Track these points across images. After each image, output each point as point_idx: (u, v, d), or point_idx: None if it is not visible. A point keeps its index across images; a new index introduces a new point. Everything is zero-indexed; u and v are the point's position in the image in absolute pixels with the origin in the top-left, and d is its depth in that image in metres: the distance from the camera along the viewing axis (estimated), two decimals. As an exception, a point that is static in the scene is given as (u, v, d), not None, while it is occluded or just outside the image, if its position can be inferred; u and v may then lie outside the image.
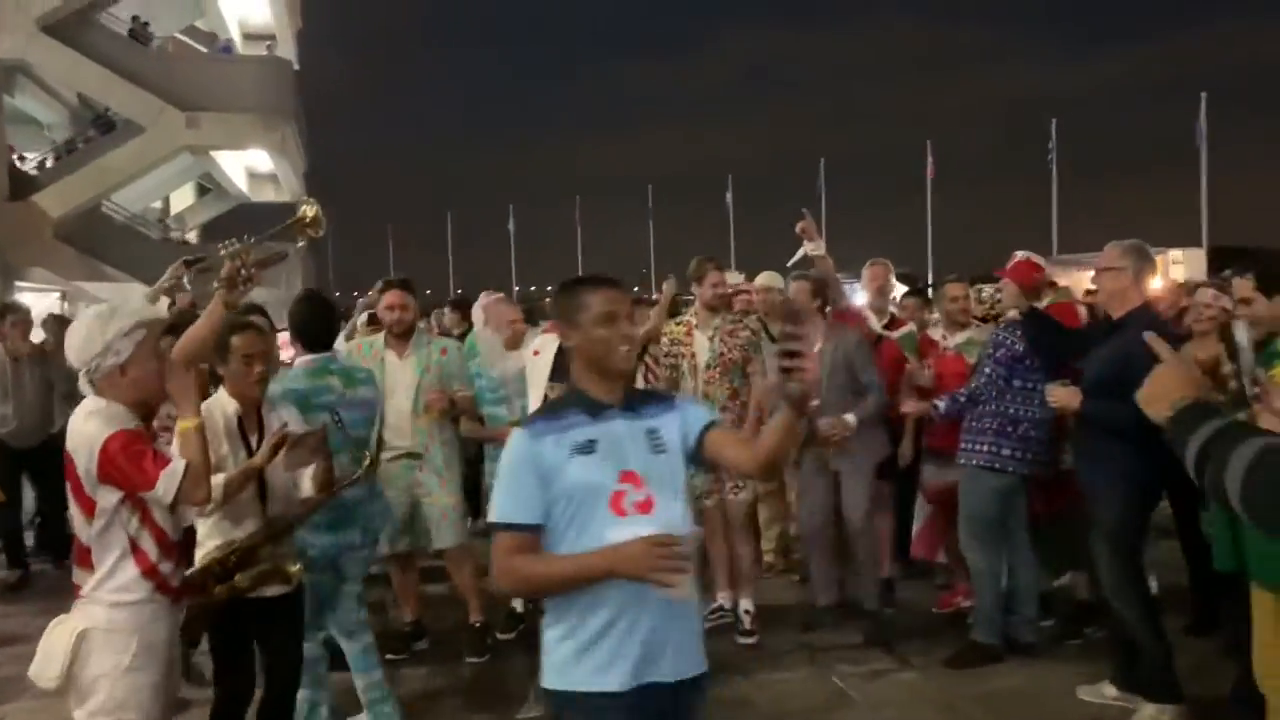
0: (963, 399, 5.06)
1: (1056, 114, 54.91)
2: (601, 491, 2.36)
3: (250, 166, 33.53)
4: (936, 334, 5.92)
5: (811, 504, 5.47)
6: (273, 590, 3.47)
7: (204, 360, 3.54)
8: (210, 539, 3.46)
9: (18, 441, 7.11)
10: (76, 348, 2.97)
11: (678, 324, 5.60)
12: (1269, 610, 3.50)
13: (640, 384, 7.52)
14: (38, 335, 7.75)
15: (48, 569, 7.29)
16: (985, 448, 4.94)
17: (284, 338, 4.85)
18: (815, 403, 2.34)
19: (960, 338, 5.67)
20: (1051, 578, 5.60)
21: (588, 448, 2.38)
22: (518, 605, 5.59)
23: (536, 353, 5.45)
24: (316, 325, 4.40)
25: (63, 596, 3.13)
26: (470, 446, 6.21)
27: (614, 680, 2.35)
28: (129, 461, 2.85)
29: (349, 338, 6.21)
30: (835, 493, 5.41)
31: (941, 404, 5.15)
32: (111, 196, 26.89)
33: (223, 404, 3.56)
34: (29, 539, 7.62)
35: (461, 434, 5.59)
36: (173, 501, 2.88)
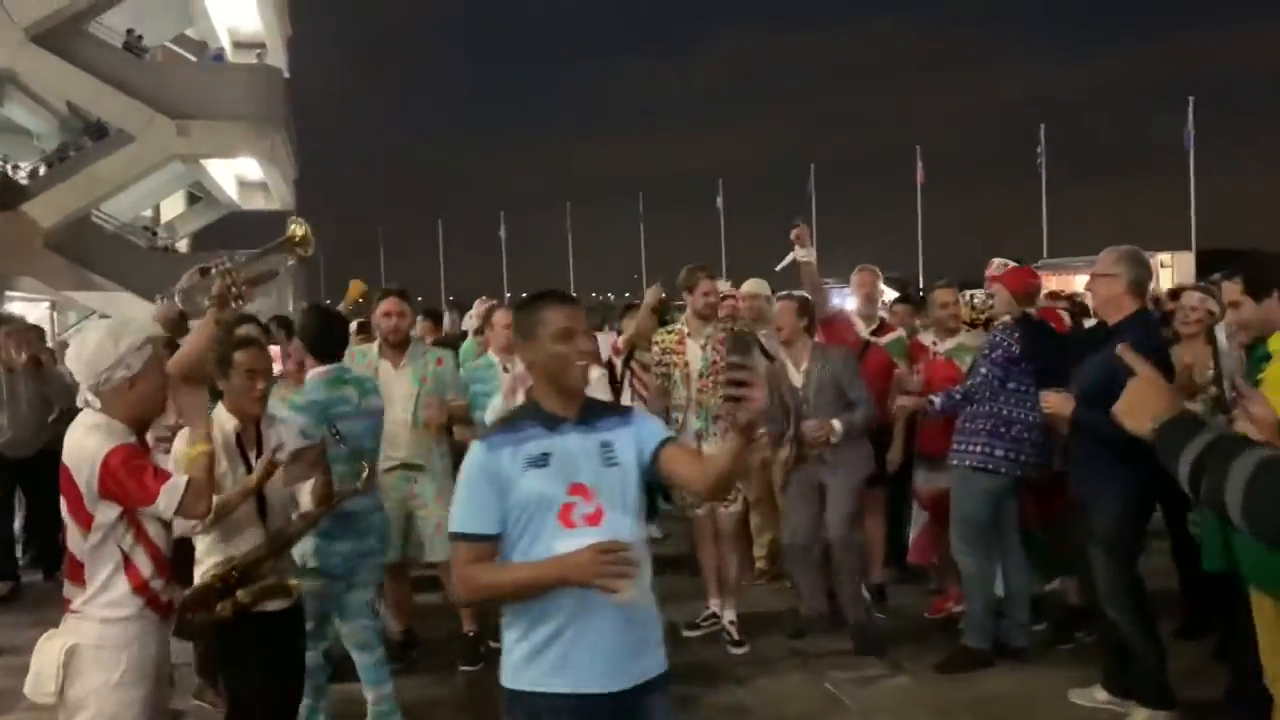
0: (958, 396, 5.08)
1: (1045, 118, 55.15)
2: (552, 503, 2.45)
3: (240, 174, 33.49)
4: (927, 339, 5.95)
5: (795, 524, 5.41)
6: (274, 605, 3.47)
7: (199, 376, 3.56)
8: (209, 556, 3.46)
9: (12, 452, 7.08)
10: (87, 360, 2.98)
11: (669, 332, 5.61)
12: (1271, 615, 3.53)
13: (626, 391, 7.57)
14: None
15: (38, 581, 7.26)
16: (978, 449, 4.95)
17: (275, 350, 4.86)
18: (763, 431, 2.40)
19: (950, 343, 5.70)
20: (1043, 582, 5.62)
21: (541, 461, 2.46)
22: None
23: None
24: (328, 337, 4.44)
25: (54, 608, 3.13)
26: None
27: (563, 682, 2.44)
28: (130, 476, 2.86)
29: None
30: (822, 508, 5.41)
31: (937, 399, 5.17)
32: (101, 205, 26.84)
33: (221, 420, 3.56)
34: (20, 549, 7.60)
35: (457, 439, 5.59)
36: (174, 516, 2.89)
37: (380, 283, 5.76)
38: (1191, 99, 37.67)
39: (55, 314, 20.00)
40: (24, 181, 25.37)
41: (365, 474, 3.88)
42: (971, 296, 5.50)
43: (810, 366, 5.28)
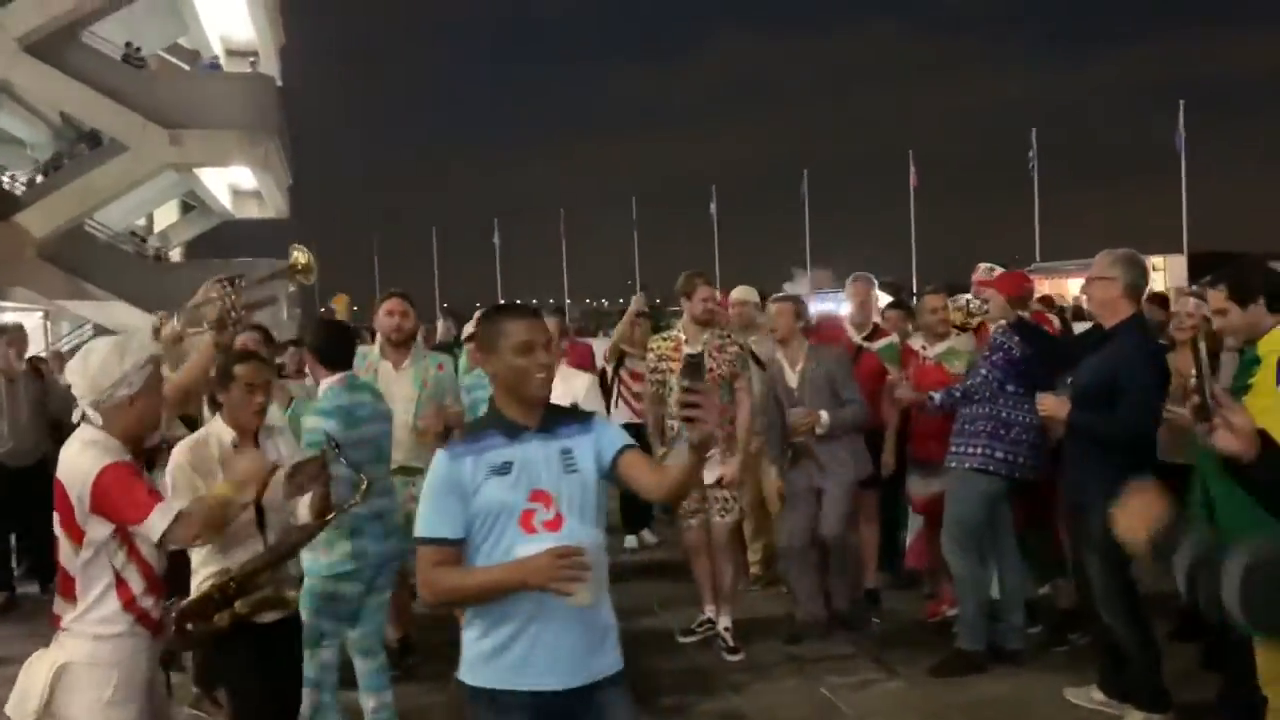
0: (958, 394, 5.10)
1: (1038, 121, 55.36)
2: (513, 510, 2.55)
3: (234, 183, 33.41)
4: (916, 344, 5.97)
5: (791, 527, 5.50)
6: (271, 616, 3.47)
7: (195, 398, 3.59)
8: (206, 566, 3.46)
9: (12, 461, 7.06)
10: (92, 376, 2.98)
11: (665, 339, 5.61)
12: None
13: (614, 397, 7.56)
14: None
15: (33, 592, 7.25)
16: (978, 450, 4.97)
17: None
18: (713, 451, 2.52)
19: (940, 348, 5.73)
20: (1037, 585, 5.63)
21: (503, 469, 2.57)
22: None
23: None
24: (339, 347, 4.49)
25: (49, 620, 3.12)
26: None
27: (521, 680, 2.56)
28: (122, 494, 2.86)
29: None
30: (818, 510, 5.44)
31: (937, 396, 5.19)
32: (95, 215, 26.80)
33: (219, 432, 3.56)
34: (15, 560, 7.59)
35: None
36: (160, 539, 2.89)
37: (376, 290, 5.79)
38: (1183, 102, 37.87)
39: (49, 324, 20.00)
40: (17, 191, 25.34)
41: (364, 486, 3.89)
42: (968, 301, 5.52)
43: (805, 366, 5.38)
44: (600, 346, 7.71)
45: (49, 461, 5.47)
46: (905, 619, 5.88)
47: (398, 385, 5.20)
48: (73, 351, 4.36)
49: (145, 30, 27.36)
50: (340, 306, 21.00)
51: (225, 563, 3.44)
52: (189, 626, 3.27)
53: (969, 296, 5.58)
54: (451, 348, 7.69)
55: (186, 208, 37.16)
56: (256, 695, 3.48)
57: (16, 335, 7.47)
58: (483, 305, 8.72)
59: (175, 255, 36.28)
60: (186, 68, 30.89)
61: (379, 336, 5.46)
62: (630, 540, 7.97)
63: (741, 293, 6.63)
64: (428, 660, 5.44)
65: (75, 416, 3.04)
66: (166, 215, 36.87)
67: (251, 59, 30.54)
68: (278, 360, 6.34)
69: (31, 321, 18.08)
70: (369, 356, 5.34)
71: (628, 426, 7.02)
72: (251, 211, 35.33)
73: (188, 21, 29.09)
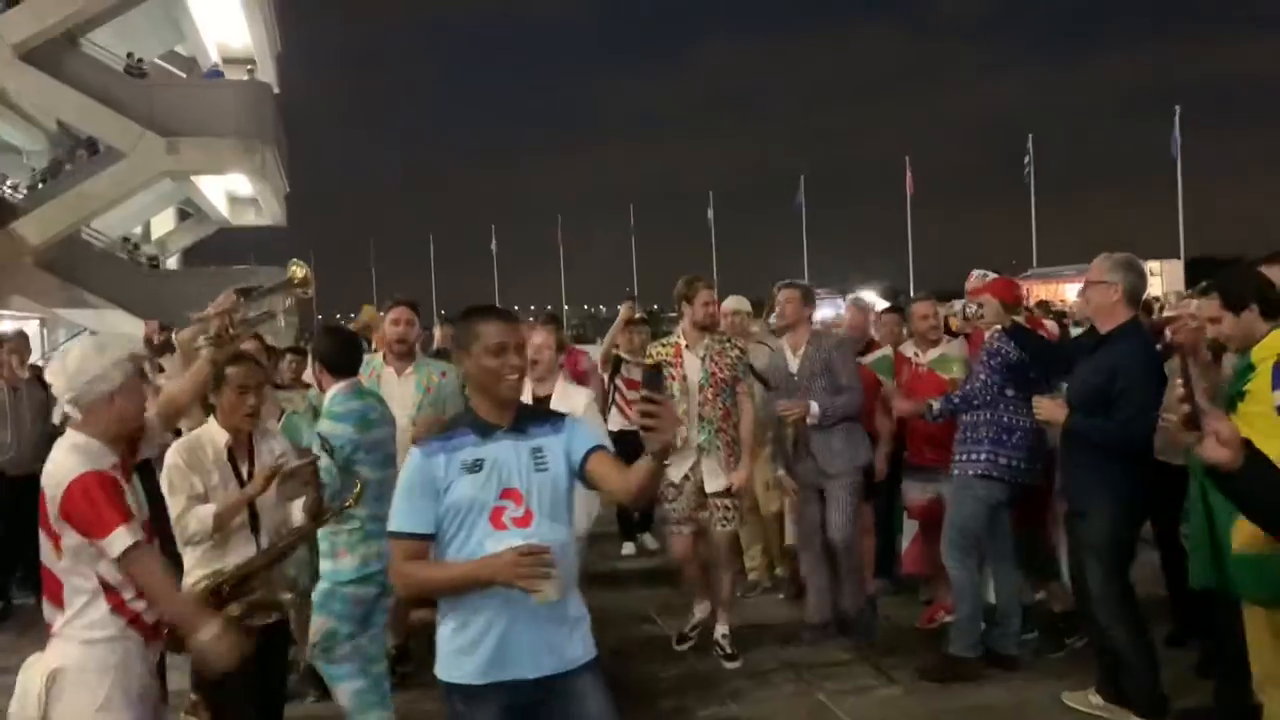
0: (957, 399, 5.11)
1: (1033, 128, 55.51)
2: (483, 507, 2.64)
3: (231, 191, 33.42)
4: (909, 351, 5.98)
5: (803, 526, 5.66)
6: (261, 620, 3.47)
7: (187, 411, 3.60)
8: (198, 568, 3.47)
9: (15, 469, 7.05)
10: (71, 373, 2.99)
11: (664, 345, 5.59)
12: (1262, 623, 3.55)
13: (609, 404, 7.55)
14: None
15: (29, 602, 7.22)
16: (982, 456, 4.97)
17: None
18: (669, 461, 2.60)
19: (933, 354, 5.75)
20: (1033, 589, 5.63)
21: (475, 467, 2.65)
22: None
23: None
24: (345, 355, 4.51)
25: (45, 627, 3.11)
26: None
27: (491, 674, 2.65)
28: (90, 506, 2.84)
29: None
30: (823, 506, 5.51)
31: (936, 404, 5.20)
32: (92, 223, 26.78)
33: (213, 434, 3.57)
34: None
35: None
36: (117, 559, 2.85)
37: (374, 297, 5.81)
38: (1178, 108, 37.97)
39: (45, 332, 19.98)
40: (14, 199, 25.32)
41: (358, 489, 3.90)
42: (965, 307, 5.55)
43: (806, 350, 5.46)
44: (596, 353, 7.72)
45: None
46: (902, 625, 5.88)
47: (400, 389, 5.23)
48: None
49: (142, 38, 27.40)
50: (366, 316, 21.09)
51: (218, 564, 3.44)
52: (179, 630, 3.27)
53: (964, 302, 5.59)
54: (449, 354, 7.69)
55: (183, 215, 37.16)
56: (240, 700, 3.48)
57: (20, 343, 7.44)
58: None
59: (172, 263, 36.25)
60: (184, 75, 30.91)
61: (381, 342, 5.48)
62: (628, 547, 7.98)
63: (733, 302, 6.66)
64: (423, 668, 5.42)
65: (56, 417, 3.04)
66: (163, 223, 36.86)
67: (249, 67, 30.55)
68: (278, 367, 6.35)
69: (28, 329, 18.01)
70: (371, 363, 5.35)
71: (623, 433, 7.06)
72: (248, 219, 35.34)
73: (184, 30, 29.12)
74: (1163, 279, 26.92)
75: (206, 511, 3.42)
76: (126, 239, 31.48)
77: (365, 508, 3.95)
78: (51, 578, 2.96)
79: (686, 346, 5.45)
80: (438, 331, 8.94)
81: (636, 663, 5.49)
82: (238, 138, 25.56)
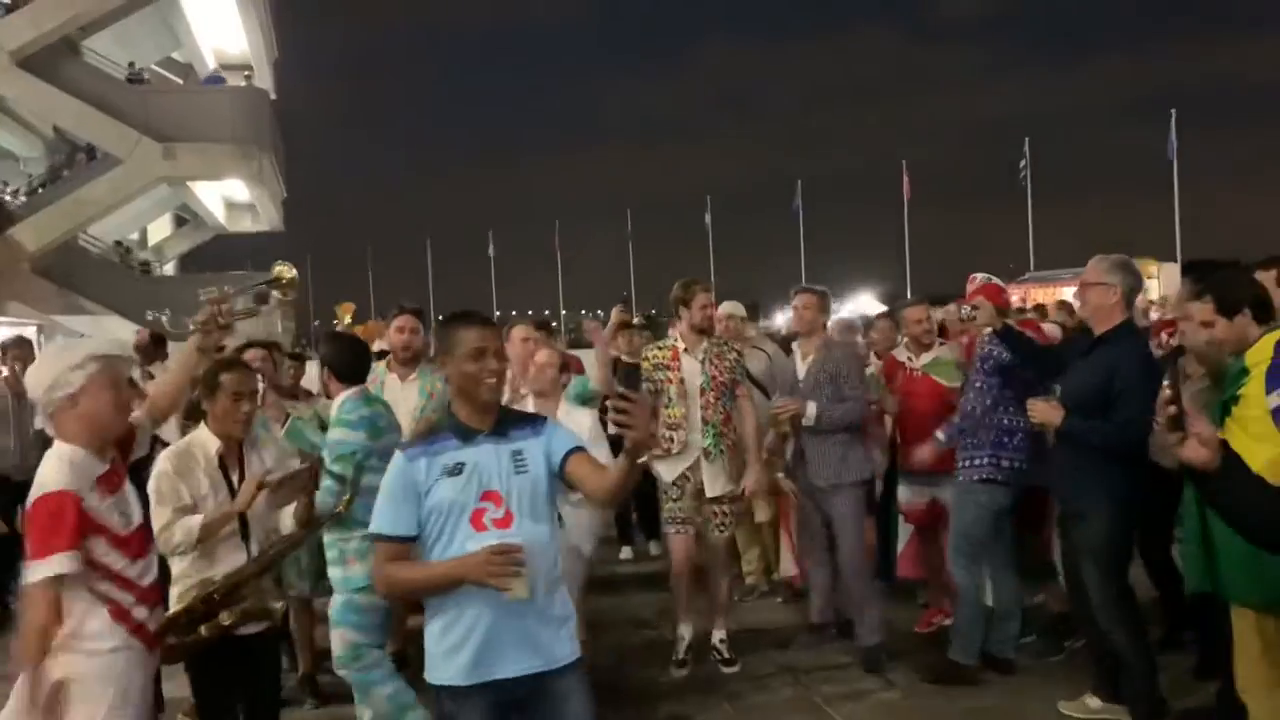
0: (957, 420, 5.13)
1: (1030, 131, 55.57)
2: (464, 509, 2.70)
3: (228, 196, 33.43)
4: (902, 356, 5.99)
5: (809, 530, 5.66)
6: (253, 628, 3.47)
7: (181, 399, 3.59)
8: (187, 577, 3.44)
9: (19, 476, 7.04)
10: (36, 381, 3.00)
11: (661, 348, 5.58)
12: (1250, 626, 3.56)
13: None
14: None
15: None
16: (985, 461, 4.98)
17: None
18: (644, 460, 2.66)
19: (926, 358, 5.76)
20: (1030, 593, 5.64)
21: (456, 470, 2.72)
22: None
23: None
24: (353, 362, 4.54)
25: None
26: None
27: (476, 674, 2.70)
28: (38, 529, 2.82)
29: None
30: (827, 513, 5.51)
31: (942, 435, 5.21)
32: (89, 229, 26.78)
33: (204, 441, 3.56)
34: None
35: None
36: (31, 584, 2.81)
37: (371, 302, 5.83)
38: (1174, 111, 38.07)
39: (42, 338, 19.93)
40: (11, 205, 25.31)
41: (347, 496, 3.90)
42: (961, 309, 5.56)
43: (815, 357, 5.43)
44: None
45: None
46: (899, 629, 5.88)
47: (404, 395, 5.26)
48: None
49: (138, 44, 27.41)
50: (344, 313, 21.17)
51: (209, 572, 3.42)
52: (170, 639, 3.25)
53: (964, 307, 5.60)
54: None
55: (180, 221, 37.16)
56: (231, 709, 3.48)
57: (23, 349, 7.42)
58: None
59: (169, 269, 36.24)
60: (180, 81, 30.92)
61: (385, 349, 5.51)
62: (625, 551, 7.98)
63: (729, 307, 6.68)
64: (421, 673, 5.42)
65: (37, 424, 3.04)
66: (160, 229, 36.85)
67: (246, 73, 30.57)
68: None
69: (25, 336, 18.01)
70: (374, 369, 5.37)
71: (620, 438, 7.05)
72: (245, 225, 35.34)
73: (180, 36, 29.15)
74: (1160, 281, 26.93)
75: (193, 523, 3.38)
76: (119, 243, 31.47)
77: None
78: None
79: (684, 350, 5.44)
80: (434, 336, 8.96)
81: (635, 667, 5.50)
82: (234, 143, 25.58)
